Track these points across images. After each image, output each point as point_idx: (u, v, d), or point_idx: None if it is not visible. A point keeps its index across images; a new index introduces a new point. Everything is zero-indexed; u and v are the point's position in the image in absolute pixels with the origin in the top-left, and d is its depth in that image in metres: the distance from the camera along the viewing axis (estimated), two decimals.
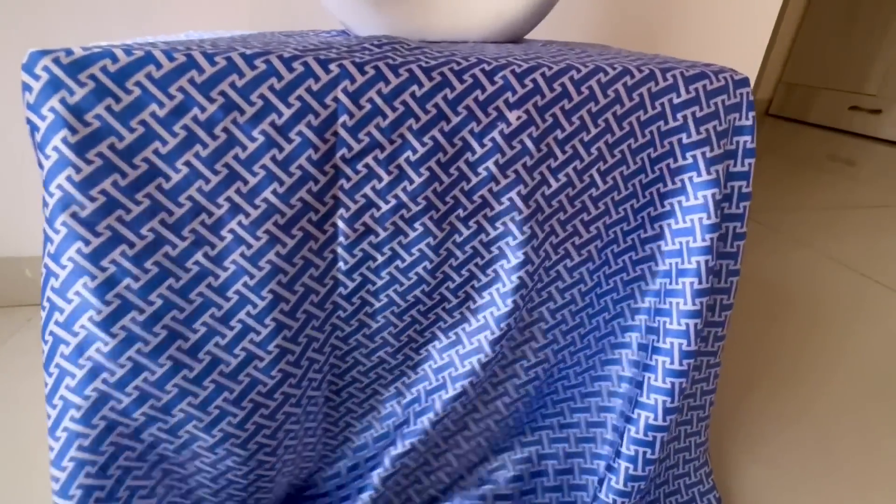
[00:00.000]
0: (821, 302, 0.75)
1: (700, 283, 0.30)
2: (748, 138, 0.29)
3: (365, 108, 0.24)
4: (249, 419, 0.25)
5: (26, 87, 0.20)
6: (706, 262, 0.30)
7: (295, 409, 0.27)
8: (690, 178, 0.30)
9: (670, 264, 0.32)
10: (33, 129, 0.21)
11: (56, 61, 0.20)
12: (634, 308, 0.34)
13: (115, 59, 0.21)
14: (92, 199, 0.21)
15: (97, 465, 0.23)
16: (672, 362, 0.31)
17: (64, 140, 0.20)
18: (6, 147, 0.57)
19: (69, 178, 0.21)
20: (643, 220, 0.31)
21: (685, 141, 0.29)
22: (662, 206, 0.31)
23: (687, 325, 0.31)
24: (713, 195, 0.29)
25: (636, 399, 0.33)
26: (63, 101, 0.20)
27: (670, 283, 0.32)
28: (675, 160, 0.29)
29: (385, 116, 0.24)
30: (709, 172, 0.29)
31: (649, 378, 0.33)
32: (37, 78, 0.20)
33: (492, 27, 0.36)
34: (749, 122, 0.29)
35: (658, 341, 0.32)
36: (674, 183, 0.30)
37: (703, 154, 0.29)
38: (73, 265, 0.21)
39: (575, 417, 0.38)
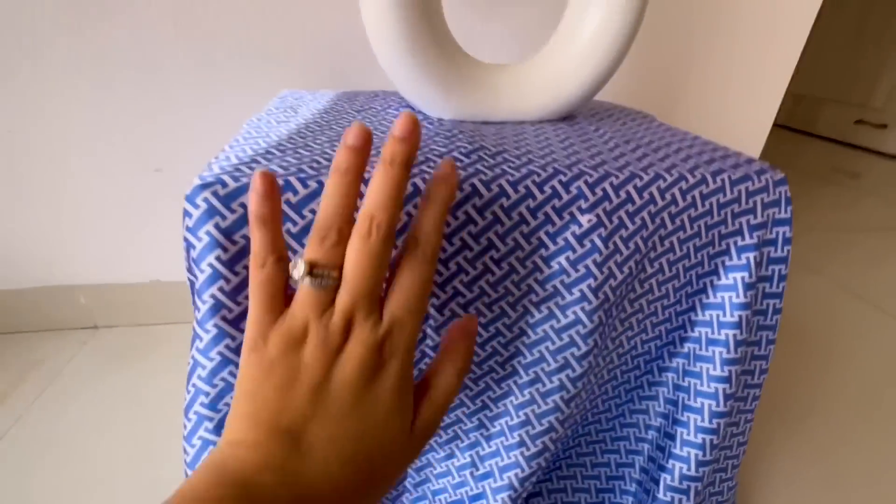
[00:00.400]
0: (833, 335, 0.79)
1: (729, 353, 0.34)
2: (786, 228, 0.33)
3: (460, 219, 0.27)
4: None
5: (187, 214, 0.24)
6: (734, 335, 0.34)
7: None
8: (723, 262, 0.34)
9: (700, 332, 0.36)
10: (190, 246, 0.24)
11: (214, 193, 0.24)
12: (663, 367, 0.38)
13: None
14: (238, 304, 0.25)
15: None
16: (703, 420, 0.36)
17: (217, 258, 0.24)
18: (66, 181, 0.61)
19: (220, 289, 0.24)
20: (681, 297, 0.35)
21: (723, 231, 0.33)
22: (698, 284, 0.35)
23: (716, 388, 0.35)
24: (743, 278, 0.33)
25: (670, 450, 0.38)
26: (217, 226, 0.24)
27: (700, 349, 0.36)
28: (714, 247, 0.33)
29: (476, 224, 0.28)
30: (740, 258, 0.33)
31: (682, 433, 0.37)
32: (196, 207, 0.24)
33: (548, 109, 0.39)
34: (787, 216, 0.33)
35: (689, 399, 0.37)
36: (710, 266, 0.34)
37: (735, 242, 0.33)
38: (220, 357, 0.25)
39: (605, 458, 0.43)
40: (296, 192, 0.25)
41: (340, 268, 0.21)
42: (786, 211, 0.33)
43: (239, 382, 0.21)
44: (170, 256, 0.68)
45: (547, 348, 0.31)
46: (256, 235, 0.21)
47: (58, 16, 0.51)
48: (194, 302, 0.25)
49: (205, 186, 0.24)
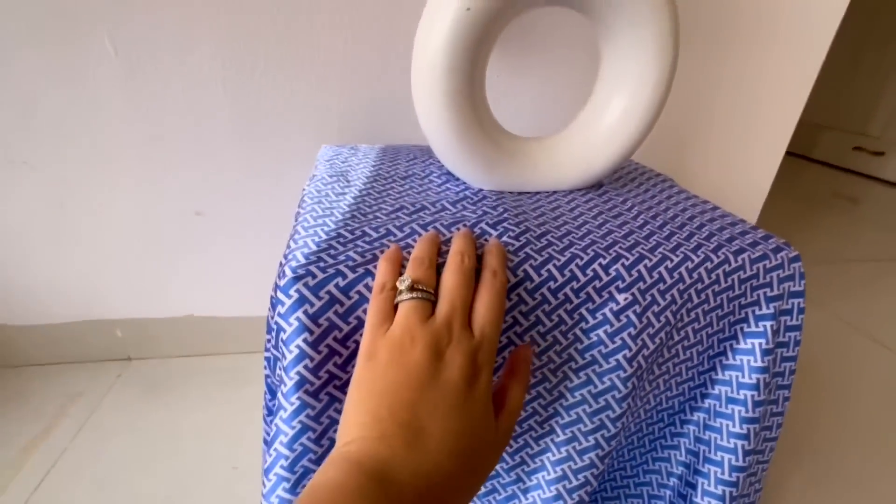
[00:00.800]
0: (833, 369, 0.82)
1: (748, 412, 0.37)
2: (800, 300, 0.37)
3: (513, 300, 0.31)
4: None
5: (279, 302, 0.27)
6: (752, 396, 0.37)
7: None
8: (742, 329, 0.37)
9: (720, 390, 0.39)
10: (280, 329, 0.28)
11: (305, 285, 0.27)
12: (685, 419, 0.41)
13: (343, 276, 0.28)
14: (318, 378, 0.28)
15: None
16: (723, 473, 0.39)
17: (304, 340, 0.27)
18: (112, 221, 0.64)
19: (305, 366, 0.28)
20: (704, 359, 0.38)
21: (743, 302, 0.36)
22: (720, 348, 0.38)
23: (736, 444, 0.38)
24: (760, 344, 0.37)
25: (691, 499, 0.41)
26: (305, 312, 0.27)
27: (720, 406, 0.39)
28: (735, 315, 0.37)
29: (526, 304, 0.31)
30: (758, 326, 0.37)
31: (703, 483, 0.40)
32: (289, 297, 0.27)
33: (580, 181, 0.43)
34: (801, 288, 0.36)
35: (710, 452, 0.40)
36: (731, 332, 0.37)
37: (754, 312, 0.37)
38: (300, 425, 0.28)
39: (629, 502, 0.45)
40: (372, 278, 0.28)
41: (434, 288, 0.26)
42: (800, 284, 0.36)
43: (351, 392, 0.24)
44: (203, 292, 0.71)
45: (584, 410, 0.34)
46: (382, 267, 0.28)
47: (115, 73, 0.55)
48: (279, 376, 0.28)
49: (297, 279, 0.27)
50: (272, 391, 0.33)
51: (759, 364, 0.37)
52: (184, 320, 0.73)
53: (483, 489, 0.38)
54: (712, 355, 0.38)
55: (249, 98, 0.59)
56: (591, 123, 0.42)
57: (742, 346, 0.37)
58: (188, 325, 0.73)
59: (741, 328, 0.37)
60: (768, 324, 0.36)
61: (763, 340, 0.37)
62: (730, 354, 0.38)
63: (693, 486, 0.40)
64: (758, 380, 0.37)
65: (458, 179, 0.44)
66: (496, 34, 0.36)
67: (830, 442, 0.66)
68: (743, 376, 0.38)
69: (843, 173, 2.23)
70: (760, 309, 0.36)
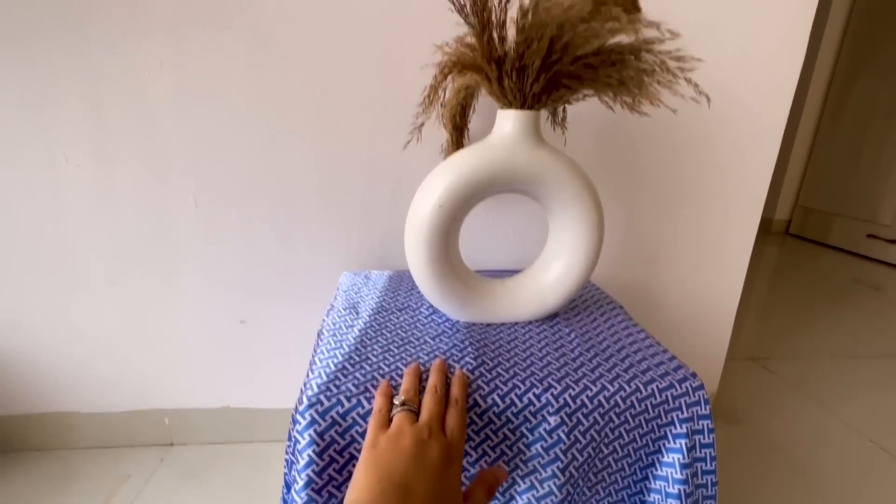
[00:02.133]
0: (832, 472, 0.83)
1: None
2: (708, 421, 0.45)
3: (469, 420, 0.41)
4: None
5: (297, 421, 0.39)
6: (683, 490, 0.45)
7: None
8: (664, 444, 0.46)
9: (654, 498, 0.46)
10: (296, 442, 0.39)
11: (315, 410, 0.39)
12: None
13: (342, 405, 0.40)
14: (322, 479, 0.39)
15: None
16: None
17: (312, 451, 0.39)
18: (176, 326, 0.79)
19: (312, 470, 0.39)
20: (636, 469, 0.46)
21: (660, 423, 0.45)
22: (648, 460, 0.46)
23: None
24: (678, 458, 0.45)
25: None
26: (314, 430, 0.39)
27: None
28: (655, 433, 0.45)
29: (477, 424, 0.42)
30: (675, 443, 0.45)
31: None
32: (304, 418, 0.39)
33: (534, 314, 0.55)
34: (707, 412, 0.45)
35: None
36: (655, 447, 0.46)
37: (671, 430, 0.45)
38: None
39: None
40: (362, 408, 0.40)
41: (417, 405, 0.38)
42: (705, 409, 0.45)
43: (358, 469, 0.34)
44: (238, 387, 0.84)
45: None
46: (378, 399, 0.39)
47: (194, 220, 0.73)
48: (293, 476, 0.39)
49: (310, 406, 0.39)
50: (288, 486, 0.44)
51: (679, 476, 0.45)
52: (220, 411, 0.85)
53: None
54: (643, 466, 0.46)
55: (288, 231, 0.75)
56: (540, 274, 0.54)
57: (666, 459, 0.46)
58: (224, 415, 0.85)
59: (663, 444, 0.46)
60: (683, 441, 0.45)
61: (680, 455, 0.45)
62: (658, 466, 0.46)
63: None
64: (679, 490, 0.45)
65: (440, 315, 0.57)
66: (464, 215, 0.51)
67: None
68: (669, 486, 0.45)
69: (860, 259, 2.23)
70: (675, 428, 0.45)
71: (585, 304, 0.61)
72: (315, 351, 0.49)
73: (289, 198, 0.74)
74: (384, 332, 0.52)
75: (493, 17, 0.42)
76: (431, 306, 0.58)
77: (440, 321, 0.55)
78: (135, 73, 0.66)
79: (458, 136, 0.64)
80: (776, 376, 1.16)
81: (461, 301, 0.53)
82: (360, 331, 0.52)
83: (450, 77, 0.49)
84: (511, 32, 0.44)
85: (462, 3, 0.42)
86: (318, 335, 0.53)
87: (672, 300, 0.88)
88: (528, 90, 0.46)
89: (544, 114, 0.63)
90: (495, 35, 0.43)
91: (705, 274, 0.88)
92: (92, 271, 0.75)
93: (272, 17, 0.65)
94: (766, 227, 2.74)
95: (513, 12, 0.43)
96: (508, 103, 0.47)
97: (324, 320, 0.56)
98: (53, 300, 0.76)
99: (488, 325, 0.55)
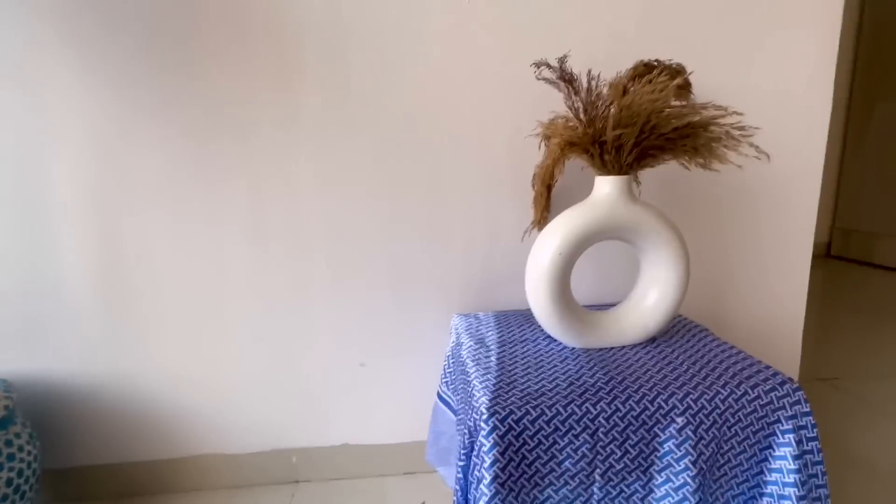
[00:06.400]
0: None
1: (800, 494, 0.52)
2: (810, 417, 0.54)
3: (611, 423, 0.52)
4: None
5: (479, 429, 0.50)
6: (794, 493, 0.52)
7: None
8: (775, 440, 0.54)
9: (771, 490, 0.54)
10: (480, 446, 0.50)
11: (497, 419, 0.50)
12: None
13: (514, 413, 0.51)
14: (504, 473, 0.49)
15: None
16: None
17: (497, 451, 0.49)
18: (298, 371, 0.92)
19: (498, 467, 0.49)
20: (752, 464, 0.55)
21: (769, 420, 0.54)
22: (762, 455, 0.55)
23: None
24: (790, 451, 0.53)
25: None
26: (497, 434, 0.50)
27: (775, 502, 0.54)
28: (765, 430, 0.54)
29: (619, 425, 0.52)
30: (783, 437, 0.54)
31: None
32: (488, 424, 0.50)
33: (638, 338, 0.66)
34: (807, 409, 0.54)
35: None
36: (766, 443, 0.54)
37: (779, 427, 0.54)
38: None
39: None
40: (530, 416, 0.51)
41: None
42: (806, 407, 0.54)
43: None
44: (356, 424, 0.95)
45: (668, 502, 0.52)
46: None
47: (324, 278, 0.88)
48: (473, 475, 0.50)
49: (492, 415, 0.50)
50: (464, 491, 0.54)
51: (792, 466, 0.53)
52: (341, 448, 0.95)
53: None
54: (758, 461, 0.55)
55: (404, 283, 0.89)
56: (640, 303, 0.66)
57: (778, 453, 0.54)
58: (344, 452, 0.95)
59: (773, 440, 0.54)
60: (791, 436, 0.54)
61: (791, 449, 0.53)
62: (771, 461, 0.55)
63: None
64: (795, 479, 0.53)
65: (556, 341, 0.68)
66: (575, 261, 0.63)
67: None
68: (784, 477, 0.53)
69: None
70: (782, 425, 0.54)
71: (676, 329, 0.72)
72: (468, 376, 0.61)
73: (402, 254, 0.88)
74: (517, 359, 0.63)
75: (599, 113, 0.57)
76: (547, 338, 0.70)
77: (559, 349, 0.66)
78: (285, 165, 0.84)
79: (547, 194, 0.78)
80: (848, 395, 1.19)
81: (578, 331, 0.64)
82: (497, 358, 0.63)
83: (565, 155, 0.63)
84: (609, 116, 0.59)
85: (576, 107, 0.57)
86: (451, 368, 0.65)
87: (741, 326, 0.97)
88: (623, 161, 0.60)
89: None
90: (599, 125, 0.58)
91: (768, 299, 0.97)
92: (242, 330, 0.89)
93: (385, 113, 0.83)
94: None
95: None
96: (608, 172, 0.61)
97: (451, 355, 0.68)
98: (211, 358, 0.90)
99: (601, 349, 0.65)
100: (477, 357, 0.65)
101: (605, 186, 0.62)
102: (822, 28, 0.86)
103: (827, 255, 2.73)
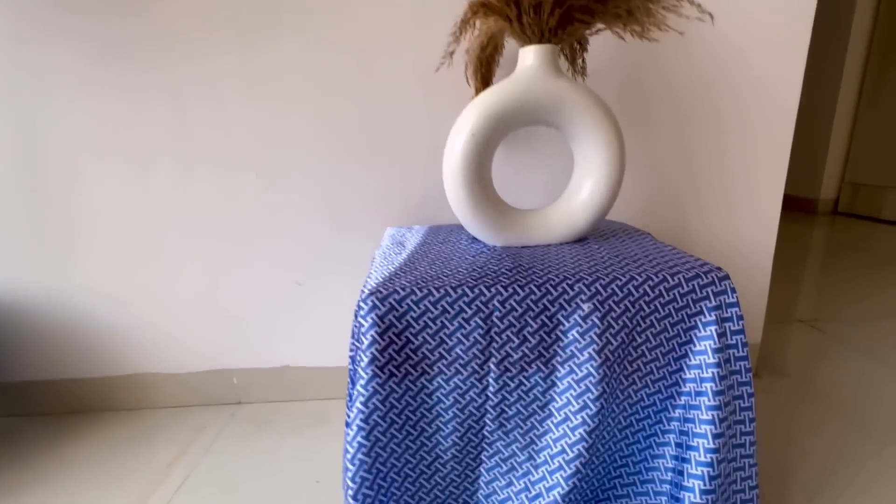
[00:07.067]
0: (882, 417, 0.81)
1: (710, 401, 0.47)
2: (736, 308, 0.48)
3: (507, 308, 0.46)
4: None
5: (360, 308, 0.46)
6: (712, 388, 0.47)
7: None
8: (696, 334, 0.49)
9: (690, 387, 0.49)
10: (360, 326, 0.46)
11: (376, 297, 0.45)
12: (669, 417, 0.51)
13: (398, 293, 0.46)
14: (383, 357, 0.45)
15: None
16: (700, 456, 0.47)
17: (374, 331, 0.45)
18: (236, 291, 0.88)
19: (375, 348, 0.45)
20: (670, 360, 0.50)
21: (689, 312, 0.48)
22: (681, 351, 0.49)
23: (706, 430, 0.47)
24: (710, 345, 0.48)
25: (682, 485, 0.49)
26: (376, 314, 0.45)
27: (691, 400, 0.49)
28: (685, 323, 0.49)
29: (516, 311, 0.47)
30: (705, 330, 0.48)
31: (688, 468, 0.48)
32: (367, 304, 0.45)
33: (565, 237, 0.60)
34: (734, 300, 0.48)
35: (689, 441, 0.49)
36: (686, 336, 0.49)
37: (700, 319, 0.48)
38: (372, 389, 0.44)
39: (638, 500, 0.53)
40: (415, 296, 0.46)
41: None
42: (732, 297, 0.48)
43: None
44: (296, 346, 0.92)
45: (570, 394, 0.47)
46: None
47: (257, 191, 0.83)
48: (357, 358, 0.46)
49: (371, 294, 0.46)
50: (353, 381, 0.50)
51: (712, 360, 0.47)
52: (281, 370, 0.93)
53: (503, 466, 0.50)
54: (676, 357, 0.50)
55: (337, 196, 0.84)
56: (570, 199, 0.59)
57: (698, 347, 0.49)
58: (285, 374, 0.93)
59: (694, 333, 0.49)
60: (713, 328, 0.48)
61: (711, 342, 0.48)
62: (690, 356, 0.49)
63: (681, 473, 0.49)
64: (713, 374, 0.47)
65: (479, 241, 0.62)
66: (495, 145, 0.57)
67: (870, 475, 0.67)
68: (703, 372, 0.48)
69: None
70: (704, 317, 0.48)
71: (614, 233, 0.65)
72: (369, 273, 0.56)
73: (336, 165, 0.82)
74: (429, 255, 0.58)
75: None
76: (471, 238, 0.64)
77: (479, 247, 0.60)
78: (209, 68, 0.77)
79: (485, 86, 0.71)
80: (827, 335, 1.13)
81: (497, 226, 0.59)
82: (407, 255, 0.58)
83: (478, 17, 0.56)
84: None
85: None
86: (372, 264, 0.60)
87: (704, 250, 0.90)
88: (544, 25, 0.52)
89: (565, 64, 0.69)
90: None
91: (738, 222, 0.89)
92: (174, 245, 0.86)
93: (319, 14, 0.75)
94: (811, 207, 2.63)
95: None
96: (528, 39, 0.54)
97: (374, 257, 0.63)
98: (143, 273, 0.87)
99: (523, 246, 0.60)
100: (386, 255, 0.60)
101: (527, 58, 0.54)
102: None
103: (834, 212, 2.60)
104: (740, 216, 0.89)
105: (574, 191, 0.60)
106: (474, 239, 0.64)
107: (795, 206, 2.75)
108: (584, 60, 0.69)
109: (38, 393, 0.92)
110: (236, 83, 0.78)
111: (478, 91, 0.70)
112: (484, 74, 0.68)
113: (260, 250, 0.87)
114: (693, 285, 0.48)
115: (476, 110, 0.54)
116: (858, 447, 0.74)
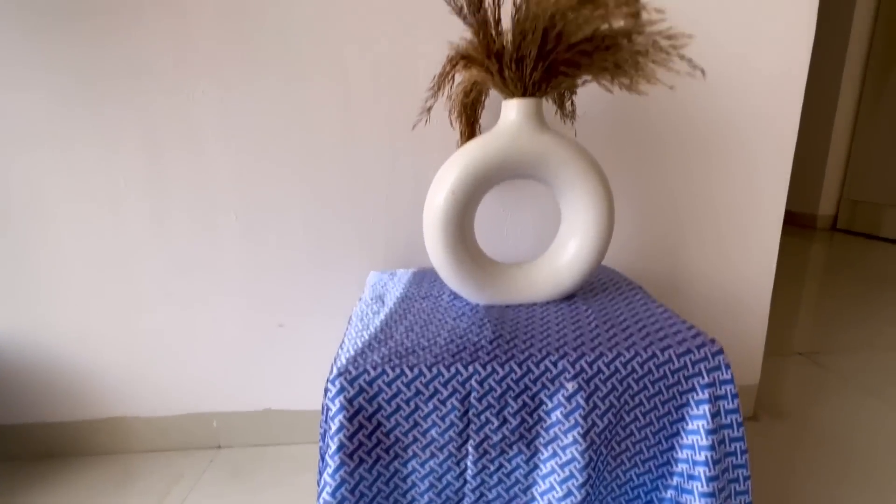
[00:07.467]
0: (883, 461, 0.78)
1: (703, 487, 0.44)
2: (731, 386, 0.45)
3: (486, 388, 0.43)
4: None
5: (328, 389, 0.42)
6: (705, 472, 0.44)
7: None
8: (688, 412, 0.46)
9: (682, 468, 0.46)
10: (328, 409, 0.42)
11: (345, 379, 0.42)
12: (660, 497, 0.48)
13: (369, 374, 0.43)
14: (352, 443, 0.42)
15: None
16: None
17: (343, 416, 0.42)
18: (214, 332, 0.85)
19: (344, 434, 0.42)
20: (661, 439, 0.46)
21: (681, 389, 0.45)
22: (672, 429, 0.46)
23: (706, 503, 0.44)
24: (703, 425, 0.45)
25: None
26: (344, 396, 0.42)
27: (684, 483, 0.46)
28: (677, 401, 0.46)
29: (496, 391, 0.44)
30: (698, 409, 0.45)
31: None
32: (335, 386, 0.42)
33: (551, 295, 0.57)
34: (729, 377, 0.45)
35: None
36: (678, 415, 0.46)
37: (693, 397, 0.45)
38: (340, 479, 0.41)
39: None
40: (387, 376, 0.43)
41: None
42: (727, 373, 0.45)
43: None
44: (279, 389, 0.88)
45: (554, 479, 0.44)
46: None
47: (234, 233, 0.80)
48: (326, 442, 0.42)
49: (339, 374, 0.42)
50: (322, 457, 0.46)
51: (705, 443, 0.44)
52: (262, 413, 0.89)
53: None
54: (668, 436, 0.47)
55: (319, 237, 0.81)
56: (556, 255, 0.56)
57: (690, 426, 0.46)
58: (266, 418, 0.89)
59: (686, 411, 0.46)
60: (706, 407, 0.45)
61: (704, 422, 0.45)
62: (682, 434, 0.46)
63: None
64: (706, 457, 0.44)
65: (461, 297, 0.59)
66: (477, 201, 0.54)
67: None
68: (695, 454, 0.45)
69: None
70: (697, 395, 0.45)
71: (604, 286, 0.62)
72: (345, 334, 0.53)
73: (319, 206, 0.79)
74: (408, 316, 0.55)
75: (489, 16, 0.47)
76: (453, 293, 0.61)
77: (461, 305, 0.57)
78: (183, 100, 0.75)
79: (471, 133, 0.68)
80: (826, 370, 1.10)
81: (479, 284, 0.56)
82: (385, 316, 0.55)
83: (458, 71, 0.53)
84: (508, 26, 0.48)
85: (459, 4, 0.46)
86: (349, 322, 0.57)
87: (700, 290, 0.87)
88: (527, 79, 0.49)
89: (553, 108, 0.66)
90: (492, 31, 0.47)
91: (734, 261, 0.86)
92: (149, 286, 0.83)
93: (295, 41, 0.73)
94: (810, 223, 2.61)
95: (507, 8, 0.47)
96: (511, 93, 0.51)
97: (353, 311, 0.60)
98: (116, 314, 0.84)
99: (507, 306, 0.57)
100: (363, 314, 0.57)
101: (510, 112, 0.52)
102: None
103: (833, 229, 2.58)
104: (737, 254, 0.86)
105: (560, 247, 0.57)
106: (455, 294, 0.61)
107: (795, 222, 2.73)
108: (573, 103, 0.66)
109: (8, 437, 0.89)
110: (215, 123, 0.76)
111: (462, 134, 0.67)
112: (468, 117, 0.65)
113: (240, 292, 0.83)
114: (685, 361, 0.45)
115: (457, 167, 0.51)
116: (859, 496, 0.70)
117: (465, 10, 0.46)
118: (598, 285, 0.63)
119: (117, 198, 0.78)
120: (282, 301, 0.84)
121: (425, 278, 0.69)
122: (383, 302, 0.60)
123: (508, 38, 0.48)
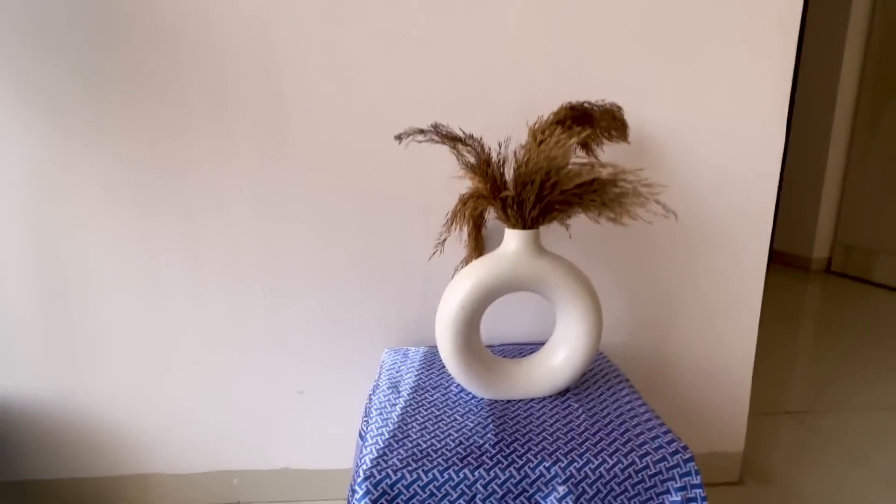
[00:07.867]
0: None
1: None
2: (700, 490, 0.53)
3: (489, 490, 0.51)
4: None
5: (354, 491, 0.50)
6: None
7: None
8: None
9: None
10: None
11: (370, 482, 0.50)
12: None
13: (390, 478, 0.50)
14: None
15: None
16: None
17: None
18: (238, 397, 0.93)
19: None
20: None
21: (657, 490, 0.53)
22: None
23: None
24: None
25: None
26: (370, 499, 0.50)
27: None
28: (654, 500, 0.53)
29: (497, 493, 0.51)
30: None
31: None
32: (361, 489, 0.50)
33: (549, 390, 0.64)
34: (698, 481, 0.53)
35: None
36: None
37: (668, 498, 0.53)
38: None
39: None
40: (405, 480, 0.50)
41: None
42: (696, 479, 0.53)
43: None
44: (296, 449, 0.96)
45: None
46: None
47: (263, 308, 0.88)
48: None
49: (366, 478, 0.50)
50: None
51: None
52: (281, 472, 0.96)
53: None
54: None
55: (338, 316, 0.89)
56: (550, 356, 0.65)
57: None
58: (285, 476, 0.96)
59: None
60: None
61: None
62: None
63: None
64: None
65: (469, 392, 0.67)
66: (483, 310, 0.62)
67: None
68: None
69: None
70: (671, 496, 0.53)
71: (595, 378, 0.70)
72: (366, 427, 0.61)
73: (338, 290, 0.88)
74: (422, 409, 0.63)
75: (496, 174, 0.56)
76: (460, 386, 0.69)
77: (467, 399, 0.65)
78: (221, 196, 0.84)
79: (477, 233, 0.77)
80: (813, 432, 1.16)
81: (485, 384, 0.64)
82: (401, 409, 0.63)
83: (467, 211, 0.62)
84: (510, 175, 0.57)
85: (470, 165, 0.55)
86: (367, 412, 0.65)
87: (684, 362, 0.95)
88: (527, 216, 0.58)
89: None
90: (498, 182, 0.56)
91: (718, 336, 0.94)
92: (181, 352, 0.91)
93: (321, 149, 0.83)
94: (805, 265, 2.68)
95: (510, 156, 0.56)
96: (513, 225, 0.60)
97: (370, 398, 0.68)
98: (148, 379, 0.92)
99: (508, 401, 0.65)
100: (382, 406, 0.65)
101: (511, 241, 0.60)
102: (775, 62, 0.83)
103: (827, 271, 2.65)
104: (721, 329, 0.94)
105: (553, 349, 0.65)
106: (463, 387, 0.69)
107: (790, 263, 2.80)
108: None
109: (45, 491, 0.96)
110: (249, 216, 0.85)
111: (470, 234, 0.76)
112: (475, 220, 0.74)
113: (262, 359, 0.92)
114: (660, 467, 0.53)
115: (465, 286, 0.60)
116: None
117: (476, 169, 0.55)
118: (590, 377, 0.71)
119: (158, 277, 0.88)
120: (302, 371, 0.92)
121: (435, 361, 0.77)
122: (398, 391, 0.68)
123: (511, 186, 0.57)
